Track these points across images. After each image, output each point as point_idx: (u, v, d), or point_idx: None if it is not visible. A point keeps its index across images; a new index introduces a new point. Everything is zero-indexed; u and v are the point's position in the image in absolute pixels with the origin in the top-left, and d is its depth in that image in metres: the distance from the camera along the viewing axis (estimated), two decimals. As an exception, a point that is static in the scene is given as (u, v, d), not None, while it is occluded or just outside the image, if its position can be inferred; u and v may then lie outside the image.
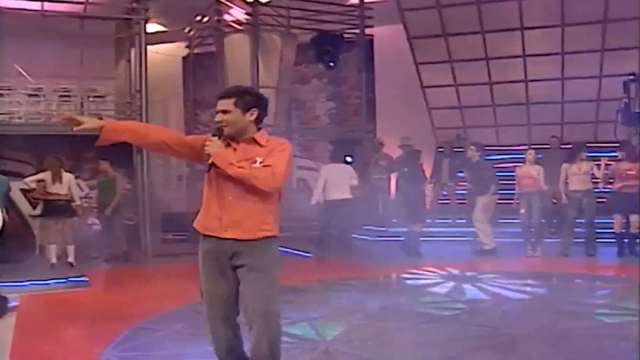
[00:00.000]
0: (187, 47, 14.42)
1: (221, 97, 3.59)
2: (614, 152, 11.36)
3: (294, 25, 13.12)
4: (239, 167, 3.45)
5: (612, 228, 10.56)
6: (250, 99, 3.61)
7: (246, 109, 3.57)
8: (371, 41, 14.42)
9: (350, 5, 13.97)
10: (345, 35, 13.61)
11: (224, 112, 3.55)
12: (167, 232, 13.53)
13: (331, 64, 13.42)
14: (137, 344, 5.44)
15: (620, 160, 10.43)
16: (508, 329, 5.73)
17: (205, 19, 13.51)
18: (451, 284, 8.26)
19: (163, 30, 14.86)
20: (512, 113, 13.80)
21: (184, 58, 15.38)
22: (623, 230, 10.24)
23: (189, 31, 14.13)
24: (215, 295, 3.61)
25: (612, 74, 12.91)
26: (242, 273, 3.54)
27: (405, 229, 10.99)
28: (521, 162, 11.08)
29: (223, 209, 3.53)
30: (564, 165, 10.46)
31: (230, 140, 3.57)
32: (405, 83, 13.91)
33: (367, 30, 13.84)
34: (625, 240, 10.25)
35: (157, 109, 12.95)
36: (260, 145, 3.57)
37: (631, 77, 8.01)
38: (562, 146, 12.14)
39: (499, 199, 10.88)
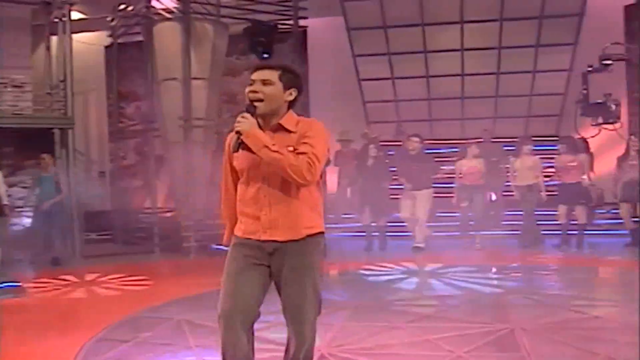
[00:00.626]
0: (110, 36, 13.57)
1: (261, 68, 3.12)
2: (552, 146, 11.63)
3: (226, 15, 12.57)
4: (274, 152, 2.97)
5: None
6: (292, 76, 3.14)
7: (287, 87, 3.10)
8: (305, 33, 14.06)
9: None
10: (280, 26, 13.18)
11: (265, 82, 3.06)
12: (89, 232, 12.75)
13: (265, 55, 12.95)
14: (106, 358, 4.85)
15: (561, 153, 10.61)
16: (502, 324, 5.53)
17: (130, 7, 12.77)
18: (414, 279, 8.08)
19: (83, 18, 13.95)
20: (446, 107, 13.83)
21: (106, 47, 14.52)
22: (568, 222, 10.41)
23: (112, 20, 13.31)
24: (242, 289, 3.11)
25: (545, 69, 13.25)
26: (283, 273, 3.11)
27: (362, 224, 10.94)
28: (456, 156, 11.13)
29: (259, 208, 3.10)
30: (511, 160, 10.59)
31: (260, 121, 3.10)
32: (340, 76, 13.70)
33: (301, 22, 13.47)
34: (572, 232, 10.41)
35: (77, 101, 12.09)
36: (289, 132, 3.09)
37: (589, 68, 8.05)
38: (494, 140, 12.24)
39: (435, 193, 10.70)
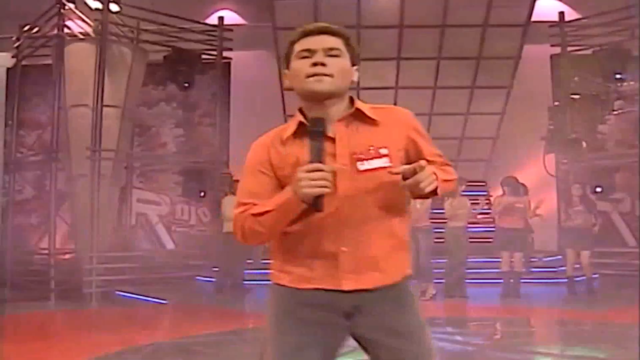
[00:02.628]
0: (15, 57, 12.28)
1: (319, 32, 2.19)
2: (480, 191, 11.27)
3: (147, 40, 11.62)
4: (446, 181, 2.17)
5: (489, 268, 10.34)
6: (356, 50, 2.25)
7: (353, 63, 2.22)
8: (229, 65, 13.26)
9: (209, 25, 12.75)
10: (203, 57, 12.35)
11: (331, 52, 2.16)
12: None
13: (185, 85, 12.08)
14: None
15: (503, 195, 10.15)
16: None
17: (37, 28, 11.63)
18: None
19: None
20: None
21: (8, 70, 13.18)
22: (511, 270, 9.94)
23: (17, 39, 12.07)
24: None
25: (479, 112, 13.03)
26: (376, 339, 2.15)
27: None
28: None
29: (336, 241, 2.11)
30: (447, 201, 10.03)
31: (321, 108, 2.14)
32: (265, 111, 12.93)
33: (226, 53, 12.69)
34: (511, 279, 9.93)
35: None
36: (373, 122, 2.17)
37: (556, 103, 7.73)
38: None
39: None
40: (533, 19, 12.18)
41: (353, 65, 2.22)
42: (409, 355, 2.14)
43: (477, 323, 8.40)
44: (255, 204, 2.14)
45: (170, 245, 13.36)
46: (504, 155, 12.95)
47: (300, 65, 2.15)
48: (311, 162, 2.00)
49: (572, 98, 7.64)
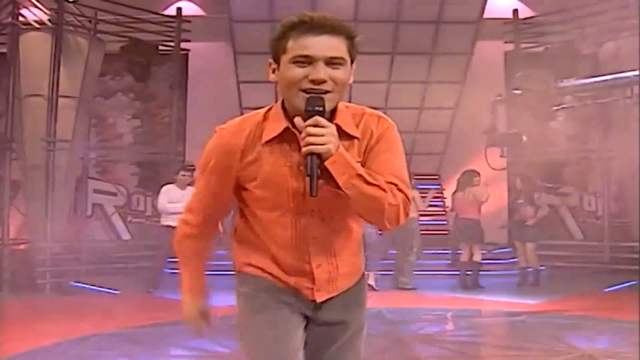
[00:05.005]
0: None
1: (320, 30, 1.93)
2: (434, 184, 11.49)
3: (104, 30, 11.55)
4: (372, 184, 1.93)
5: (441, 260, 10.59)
6: (356, 46, 2.04)
7: (352, 63, 2.02)
8: (186, 56, 13.24)
9: (167, 16, 12.71)
10: (160, 48, 12.31)
11: (334, 62, 1.93)
12: None
13: (142, 76, 12.06)
14: None
15: (461, 185, 10.42)
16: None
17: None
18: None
19: None
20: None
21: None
22: (471, 261, 10.19)
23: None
24: (293, 340, 2.12)
25: (432, 106, 13.25)
26: (333, 333, 2.19)
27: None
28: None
29: (307, 257, 2.10)
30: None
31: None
32: (221, 103, 12.95)
33: (184, 45, 12.66)
34: (470, 271, 10.16)
35: None
36: (349, 137, 2.01)
37: (498, 97, 7.92)
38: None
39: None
40: (489, 15, 12.43)
41: (352, 62, 2.03)
42: (352, 347, 2.22)
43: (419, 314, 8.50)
44: (187, 221, 2.27)
45: (126, 236, 13.33)
46: (457, 149, 13.21)
47: (295, 75, 1.93)
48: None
49: (514, 93, 7.89)
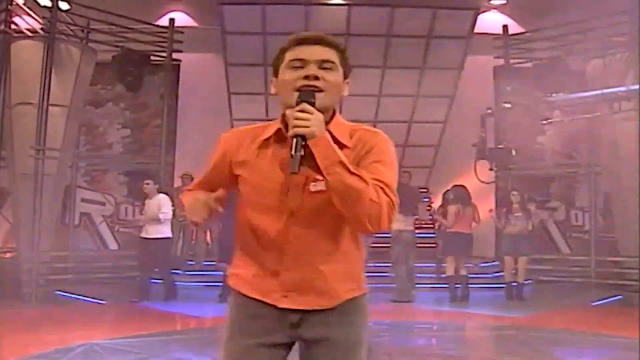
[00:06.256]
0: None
1: (313, 42, 2.11)
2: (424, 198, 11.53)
3: (96, 40, 11.57)
4: (353, 174, 1.96)
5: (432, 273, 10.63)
6: (348, 63, 2.20)
7: (345, 76, 2.17)
8: (178, 67, 13.27)
9: (159, 26, 12.76)
10: (152, 58, 12.34)
11: (325, 65, 2.09)
12: None
13: (133, 86, 12.06)
14: None
15: (449, 203, 10.47)
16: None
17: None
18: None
19: None
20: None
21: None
22: (458, 274, 10.22)
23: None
24: None
25: (422, 120, 13.34)
26: (318, 350, 2.17)
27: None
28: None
29: (279, 259, 2.12)
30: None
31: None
32: (212, 115, 12.98)
33: (175, 55, 12.71)
34: (458, 284, 10.19)
35: None
36: (340, 145, 2.05)
37: (488, 111, 7.97)
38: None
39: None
40: (480, 31, 12.56)
41: (345, 78, 2.17)
42: None
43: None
44: (189, 190, 2.33)
45: (113, 245, 13.28)
46: (447, 163, 13.30)
47: (291, 76, 2.08)
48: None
49: (504, 107, 7.97)
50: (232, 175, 2.20)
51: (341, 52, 2.16)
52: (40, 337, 6.99)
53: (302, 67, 2.08)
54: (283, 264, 2.12)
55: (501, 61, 12.74)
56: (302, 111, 1.95)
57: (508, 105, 7.87)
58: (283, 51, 2.15)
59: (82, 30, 11.51)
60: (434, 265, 11.63)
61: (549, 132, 12.78)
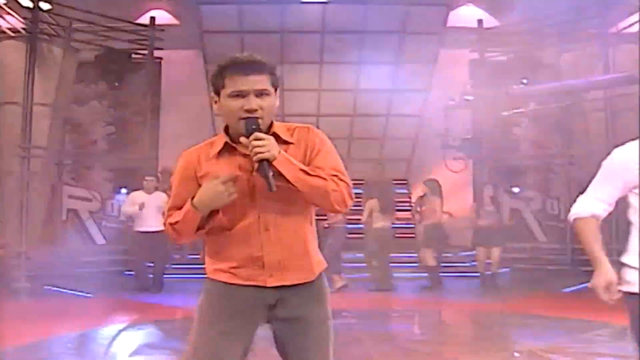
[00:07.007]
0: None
1: (249, 71, 2.45)
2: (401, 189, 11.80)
3: (78, 39, 11.77)
4: (315, 176, 2.41)
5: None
6: (277, 76, 2.56)
7: (275, 88, 2.54)
8: (160, 64, 13.49)
9: (140, 25, 12.97)
10: (133, 56, 12.56)
11: (261, 94, 2.46)
12: None
13: (116, 84, 12.30)
14: None
15: (424, 195, 10.75)
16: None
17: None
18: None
19: None
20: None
21: None
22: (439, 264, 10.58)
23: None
24: (225, 356, 2.48)
25: (398, 113, 13.62)
26: (293, 327, 2.54)
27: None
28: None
29: (260, 246, 2.48)
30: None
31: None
32: (195, 111, 13.22)
33: (157, 53, 12.92)
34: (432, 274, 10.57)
35: None
36: (286, 143, 2.51)
37: (451, 102, 8.27)
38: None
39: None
40: (456, 25, 12.84)
41: (275, 90, 2.53)
42: (311, 340, 2.54)
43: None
44: (171, 214, 2.58)
45: (100, 240, 13.46)
46: (424, 155, 13.59)
47: (233, 106, 2.43)
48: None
49: (466, 100, 8.28)
50: (199, 187, 2.51)
51: (272, 74, 2.52)
52: (27, 328, 7.21)
53: (242, 96, 2.44)
54: (264, 249, 2.48)
55: (476, 54, 13.02)
56: (257, 139, 2.36)
57: (470, 98, 8.17)
58: (221, 73, 2.50)
59: (64, 30, 11.69)
60: (414, 255, 11.88)
61: (524, 124, 13.05)
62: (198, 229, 2.50)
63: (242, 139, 2.41)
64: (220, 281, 2.53)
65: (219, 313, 2.51)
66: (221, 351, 2.47)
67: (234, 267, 2.51)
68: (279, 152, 2.38)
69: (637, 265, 2.65)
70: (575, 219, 2.76)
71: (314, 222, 2.64)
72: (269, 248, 2.48)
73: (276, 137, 2.47)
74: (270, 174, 2.34)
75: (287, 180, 2.38)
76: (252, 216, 2.47)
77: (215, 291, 2.55)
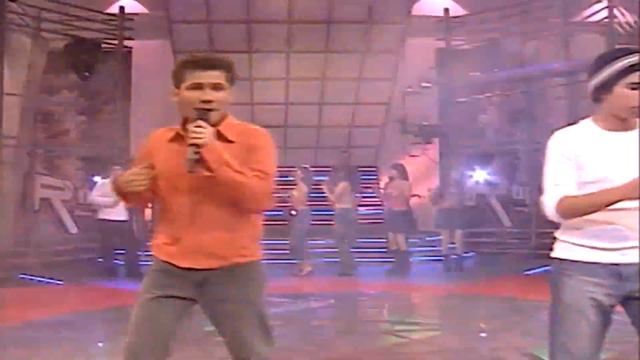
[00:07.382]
0: None
1: (207, 67, 2.67)
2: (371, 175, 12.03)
3: (47, 29, 11.83)
4: (237, 172, 2.56)
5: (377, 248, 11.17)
6: (234, 74, 2.74)
7: (231, 83, 2.73)
8: (130, 53, 13.57)
9: (109, 14, 13.03)
10: (103, 45, 12.63)
11: (216, 87, 2.66)
12: None
13: (86, 74, 12.37)
14: None
15: (392, 179, 10.99)
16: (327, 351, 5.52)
17: None
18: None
19: None
20: (272, 136, 13.95)
21: None
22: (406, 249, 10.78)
23: None
24: (155, 323, 2.68)
25: (366, 101, 13.86)
26: (218, 305, 2.72)
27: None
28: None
29: (179, 227, 2.69)
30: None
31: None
32: (165, 100, 13.17)
33: (127, 42, 13.01)
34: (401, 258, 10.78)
35: None
36: (228, 142, 2.68)
37: (409, 89, 8.54)
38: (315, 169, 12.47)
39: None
40: (422, 13, 13.07)
41: (232, 85, 2.71)
42: (244, 318, 2.71)
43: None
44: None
45: (73, 229, 13.56)
46: (392, 142, 13.83)
47: (190, 97, 2.64)
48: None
49: (425, 86, 8.55)
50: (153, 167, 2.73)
51: (228, 69, 2.71)
52: (6, 314, 7.32)
53: (199, 88, 2.65)
54: (187, 232, 2.67)
55: (443, 43, 13.27)
56: (198, 126, 2.55)
57: (428, 85, 8.44)
58: (182, 67, 2.71)
59: (33, 20, 11.73)
60: (383, 240, 12.10)
61: (490, 111, 13.36)
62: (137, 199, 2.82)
63: (189, 125, 2.61)
64: (155, 257, 2.77)
65: (152, 282, 2.73)
66: (153, 313, 2.67)
67: (163, 243, 2.73)
68: (212, 140, 2.55)
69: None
70: (556, 208, 2.53)
71: (252, 215, 2.76)
72: (191, 231, 2.66)
73: (220, 134, 2.65)
74: (195, 157, 2.51)
75: (210, 169, 2.55)
76: (184, 200, 2.66)
77: (154, 263, 2.78)
